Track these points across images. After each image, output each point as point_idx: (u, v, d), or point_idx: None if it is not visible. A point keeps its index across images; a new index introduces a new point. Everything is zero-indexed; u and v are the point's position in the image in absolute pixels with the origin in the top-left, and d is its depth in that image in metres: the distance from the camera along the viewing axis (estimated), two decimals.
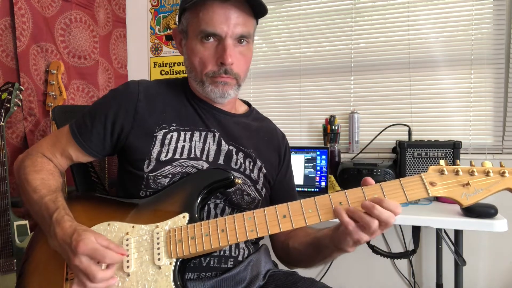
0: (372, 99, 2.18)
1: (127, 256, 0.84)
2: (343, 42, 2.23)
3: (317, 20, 2.27)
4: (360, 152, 2.12)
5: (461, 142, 1.72)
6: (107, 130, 1.00)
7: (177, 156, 0.97)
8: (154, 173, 0.95)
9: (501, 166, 0.78)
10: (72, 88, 2.16)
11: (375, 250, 1.86)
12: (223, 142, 1.02)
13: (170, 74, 2.51)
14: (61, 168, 1.04)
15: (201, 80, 0.99)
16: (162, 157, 0.96)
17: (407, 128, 2.00)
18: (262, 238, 1.04)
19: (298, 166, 1.90)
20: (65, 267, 0.88)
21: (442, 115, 2.07)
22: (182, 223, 0.86)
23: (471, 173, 0.78)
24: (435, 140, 1.82)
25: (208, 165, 0.98)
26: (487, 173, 0.77)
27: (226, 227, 0.84)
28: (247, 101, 1.20)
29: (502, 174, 0.76)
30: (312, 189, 1.87)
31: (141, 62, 2.57)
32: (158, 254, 0.84)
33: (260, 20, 1.07)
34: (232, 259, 0.98)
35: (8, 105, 1.69)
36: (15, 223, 1.70)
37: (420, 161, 1.78)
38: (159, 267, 0.83)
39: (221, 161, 1.01)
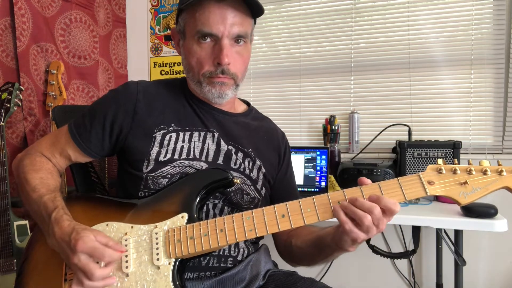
0: (372, 99, 2.18)
1: (126, 255, 0.84)
2: (343, 42, 2.23)
3: (317, 20, 2.27)
4: (360, 152, 2.12)
5: (461, 142, 1.72)
6: (106, 131, 1.00)
7: (176, 156, 0.97)
8: (153, 174, 0.95)
9: (499, 164, 0.78)
10: (72, 88, 2.16)
11: (375, 250, 1.86)
12: (222, 142, 1.02)
13: (170, 74, 2.51)
14: (59, 168, 1.04)
15: (198, 81, 0.99)
16: (161, 158, 0.96)
17: (407, 128, 1.99)
18: (262, 237, 1.04)
19: (298, 166, 1.90)
20: (64, 268, 0.88)
21: (442, 115, 2.07)
22: (181, 223, 0.86)
23: (469, 172, 0.78)
24: (435, 140, 1.82)
25: (207, 165, 0.98)
26: (484, 172, 0.77)
27: (225, 227, 0.84)
28: (246, 101, 1.20)
29: (500, 173, 0.76)
30: (312, 189, 1.86)
31: (141, 62, 2.58)
32: (157, 254, 0.84)
33: (260, 20, 1.07)
34: (231, 259, 0.98)
35: (8, 105, 1.69)
36: (15, 223, 1.70)
37: (420, 161, 1.77)
38: (158, 267, 0.83)
39: (220, 161, 1.01)
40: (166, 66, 2.52)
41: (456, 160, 0.83)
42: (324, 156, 1.89)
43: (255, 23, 1.04)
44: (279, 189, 1.14)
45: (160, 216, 0.88)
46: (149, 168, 0.96)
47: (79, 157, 1.03)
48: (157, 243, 0.85)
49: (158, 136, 0.98)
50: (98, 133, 1.00)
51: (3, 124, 1.70)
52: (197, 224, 0.85)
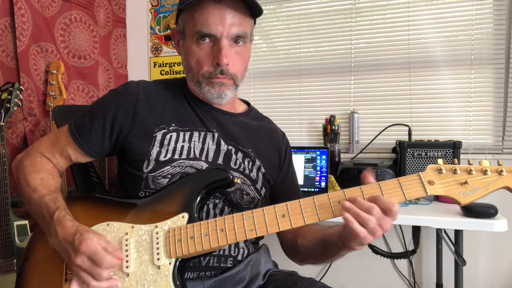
0: (372, 99, 2.18)
1: (127, 255, 0.84)
2: (343, 42, 2.23)
3: (317, 20, 2.27)
4: (360, 152, 2.12)
5: (461, 142, 1.72)
6: (106, 131, 1.00)
7: (176, 156, 0.97)
8: (153, 174, 0.95)
9: (499, 164, 0.78)
10: (72, 88, 2.16)
11: (375, 250, 1.86)
12: (222, 142, 1.02)
13: (170, 74, 2.51)
14: (60, 168, 1.04)
15: (197, 81, 0.99)
16: (161, 158, 0.96)
17: (407, 128, 2.00)
18: (262, 237, 1.04)
19: (298, 166, 1.90)
20: (64, 268, 0.88)
21: (442, 115, 2.07)
22: (182, 223, 0.86)
23: (469, 172, 0.78)
24: (435, 140, 1.82)
25: (207, 165, 0.98)
26: (484, 172, 0.77)
27: (225, 226, 0.84)
28: (246, 101, 1.20)
29: (500, 173, 0.77)
30: (312, 189, 1.86)
31: (141, 62, 2.58)
32: (158, 254, 0.84)
33: (260, 20, 1.06)
34: (231, 259, 0.98)
35: (8, 105, 1.69)
36: (15, 223, 1.70)
37: (420, 161, 1.78)
38: (159, 267, 0.83)
39: (220, 161, 1.01)
40: (166, 66, 2.52)
41: (456, 160, 0.83)
42: (324, 156, 1.89)
43: (254, 23, 1.04)
44: (282, 189, 1.14)
45: (161, 216, 0.88)
46: (150, 168, 0.96)
47: (79, 157, 1.03)
48: (157, 243, 0.85)
49: (159, 136, 0.98)
50: (98, 133, 1.00)
51: (3, 124, 1.70)
52: (197, 224, 0.85)
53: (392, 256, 1.90)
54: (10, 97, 1.70)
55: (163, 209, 0.90)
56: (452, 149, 1.73)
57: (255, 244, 1.08)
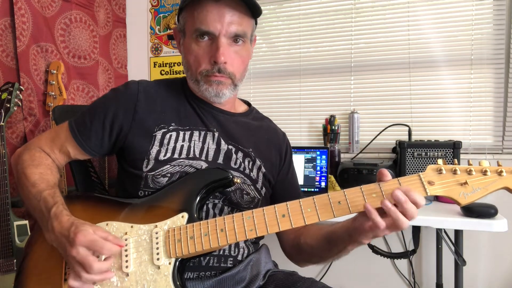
0: (372, 99, 2.18)
1: (126, 255, 0.84)
2: (343, 42, 2.23)
3: (317, 20, 2.27)
4: (360, 152, 2.12)
5: (461, 142, 1.72)
6: (106, 130, 1.00)
7: (176, 155, 0.97)
8: (152, 173, 0.95)
9: (499, 165, 0.78)
10: (72, 88, 2.16)
11: (375, 250, 1.86)
12: (223, 142, 1.02)
13: (170, 74, 2.51)
14: (58, 164, 1.04)
15: (196, 79, 0.99)
16: (161, 157, 0.96)
17: (407, 128, 1.99)
18: (262, 237, 1.04)
19: (298, 166, 1.90)
20: (64, 267, 0.88)
21: (442, 115, 2.07)
22: (181, 222, 0.86)
23: (469, 172, 0.78)
24: (435, 140, 1.82)
25: (207, 165, 0.98)
26: (484, 172, 0.77)
27: (225, 226, 0.84)
28: (247, 101, 1.20)
29: (500, 173, 0.77)
30: (312, 189, 1.86)
31: (141, 62, 2.58)
32: (157, 254, 0.84)
33: (260, 20, 1.06)
34: (231, 259, 0.98)
35: (8, 105, 1.69)
36: (15, 223, 1.70)
37: (420, 161, 1.77)
38: (158, 267, 0.83)
39: (220, 160, 1.01)
40: (166, 66, 2.52)
41: (456, 160, 0.83)
42: (324, 156, 1.89)
43: (256, 24, 1.04)
44: (282, 189, 1.14)
45: (160, 215, 0.88)
46: (149, 167, 0.96)
47: (78, 154, 1.03)
48: (157, 243, 0.85)
49: (158, 135, 0.98)
50: (98, 132, 1.00)
51: (3, 124, 1.70)
52: (197, 223, 0.85)
53: (392, 256, 1.90)
54: (10, 97, 1.70)
55: (162, 208, 0.90)
56: (452, 149, 1.72)
57: (255, 244, 1.08)
